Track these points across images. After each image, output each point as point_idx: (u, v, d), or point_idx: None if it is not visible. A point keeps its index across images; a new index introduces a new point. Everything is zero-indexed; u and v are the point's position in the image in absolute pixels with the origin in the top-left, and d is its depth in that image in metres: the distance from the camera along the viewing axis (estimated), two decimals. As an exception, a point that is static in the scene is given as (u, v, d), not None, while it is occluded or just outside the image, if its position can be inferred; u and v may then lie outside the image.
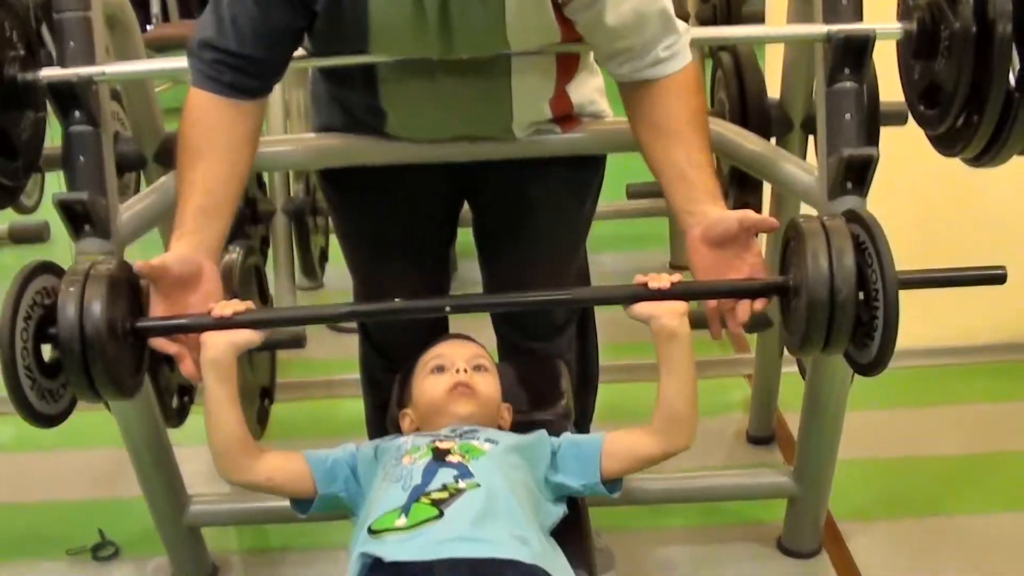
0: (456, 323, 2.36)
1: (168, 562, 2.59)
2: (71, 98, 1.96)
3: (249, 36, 1.80)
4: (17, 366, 1.55)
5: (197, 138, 1.83)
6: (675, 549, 2.63)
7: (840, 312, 1.56)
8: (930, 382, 3.33)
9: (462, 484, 1.63)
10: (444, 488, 1.62)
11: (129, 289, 1.68)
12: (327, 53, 1.97)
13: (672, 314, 1.68)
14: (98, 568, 2.68)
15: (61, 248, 4.66)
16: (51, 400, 1.63)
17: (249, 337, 1.70)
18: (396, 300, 1.81)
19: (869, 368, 1.63)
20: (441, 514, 1.57)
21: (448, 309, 1.79)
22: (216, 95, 1.82)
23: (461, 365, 1.88)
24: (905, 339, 3.08)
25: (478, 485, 1.63)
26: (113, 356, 1.58)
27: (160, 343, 1.70)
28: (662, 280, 1.69)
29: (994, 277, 1.68)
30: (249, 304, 1.73)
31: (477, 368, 1.91)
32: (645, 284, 1.69)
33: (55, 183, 3.07)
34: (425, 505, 1.59)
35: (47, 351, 1.63)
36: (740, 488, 2.60)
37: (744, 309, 1.74)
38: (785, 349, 2.80)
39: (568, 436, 1.84)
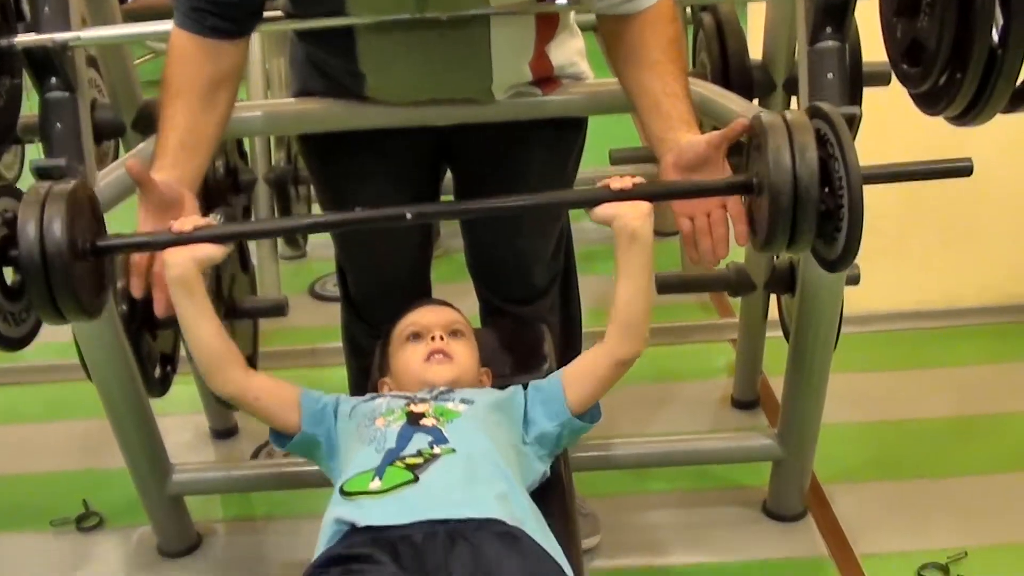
0: (439, 289, 2.37)
1: (152, 531, 2.59)
2: (47, 64, 1.94)
3: None
4: None
5: (179, 76, 1.84)
6: (660, 513, 2.63)
7: (803, 207, 1.52)
8: (915, 345, 3.33)
9: (437, 450, 1.62)
10: (419, 454, 1.62)
11: (90, 208, 1.64)
12: (305, 13, 1.96)
13: (635, 214, 1.64)
14: (82, 538, 2.68)
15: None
16: (14, 323, 1.61)
17: (210, 252, 1.65)
18: (357, 209, 1.78)
19: (836, 263, 1.60)
20: (416, 479, 1.57)
21: (409, 217, 1.73)
22: (197, 35, 1.83)
23: (437, 332, 1.88)
24: (890, 302, 3.11)
25: (453, 451, 1.62)
26: (75, 274, 1.53)
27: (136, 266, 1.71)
28: (624, 181, 1.65)
29: (960, 170, 1.66)
30: (210, 220, 1.70)
31: (453, 334, 1.91)
32: (607, 186, 1.65)
33: (36, 155, 3.06)
34: (400, 469, 1.59)
35: (9, 275, 1.62)
36: (725, 451, 2.60)
37: (722, 247, 1.73)
38: (767, 313, 2.82)
39: (532, 383, 1.83)
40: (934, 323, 3.41)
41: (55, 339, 2.23)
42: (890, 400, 3.05)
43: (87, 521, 2.72)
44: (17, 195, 1.61)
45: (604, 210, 1.65)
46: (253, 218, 3.53)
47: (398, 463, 1.60)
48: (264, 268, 3.50)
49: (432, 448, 1.62)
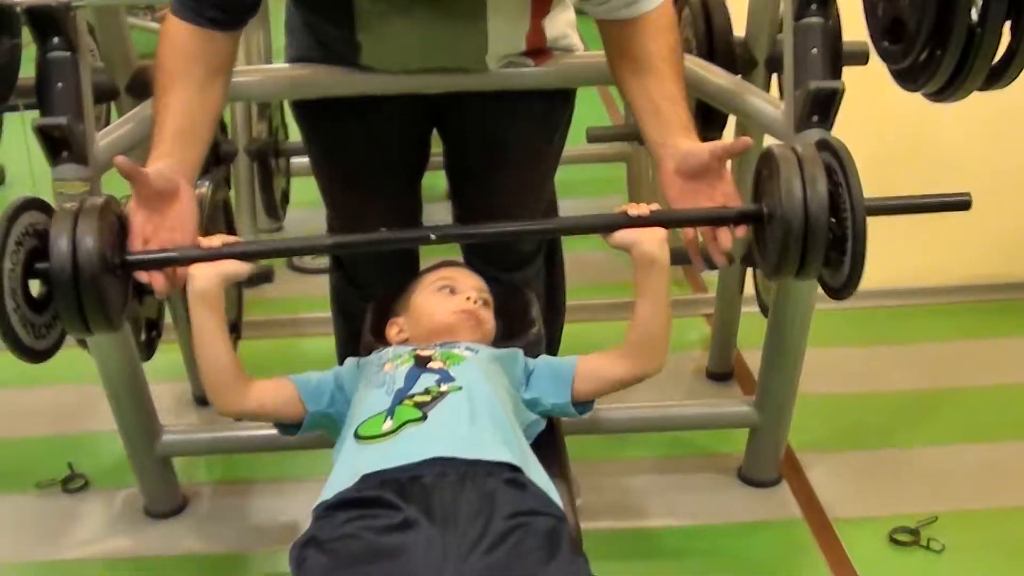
0: (428, 256, 2.40)
1: (138, 493, 2.62)
2: (49, 23, 1.97)
3: None
4: (6, 301, 1.55)
5: (175, 63, 1.85)
6: (639, 479, 2.68)
7: (813, 237, 1.61)
8: (885, 321, 3.41)
9: (444, 387, 1.68)
10: (427, 392, 1.67)
11: (118, 223, 1.70)
12: None
13: (652, 240, 1.72)
14: (69, 499, 2.70)
15: (17, 191, 4.60)
16: (39, 335, 1.63)
17: (236, 268, 1.72)
18: (382, 230, 1.87)
19: (841, 290, 1.67)
20: (424, 416, 1.62)
21: (433, 238, 1.80)
22: (193, 24, 1.84)
23: (474, 294, 1.94)
24: (863, 281, 3.15)
25: (460, 388, 1.68)
26: (104, 288, 1.59)
27: (146, 275, 1.72)
28: (641, 208, 1.73)
29: (958, 204, 1.74)
30: (237, 237, 1.76)
31: (484, 303, 1.97)
32: (625, 212, 1.73)
33: (11, 127, 3.07)
34: (408, 407, 1.64)
35: (35, 287, 1.64)
36: (704, 417, 2.66)
37: (726, 236, 1.79)
38: (744, 287, 2.88)
39: (544, 357, 1.89)
40: (903, 301, 3.50)
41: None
42: (862, 374, 3.12)
43: (73, 483, 2.73)
44: (46, 209, 1.65)
45: (623, 236, 1.73)
46: (232, 190, 3.57)
47: (407, 402, 1.65)
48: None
49: (439, 386, 1.68)
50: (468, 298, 1.92)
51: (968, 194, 1.73)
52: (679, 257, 1.82)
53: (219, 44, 1.87)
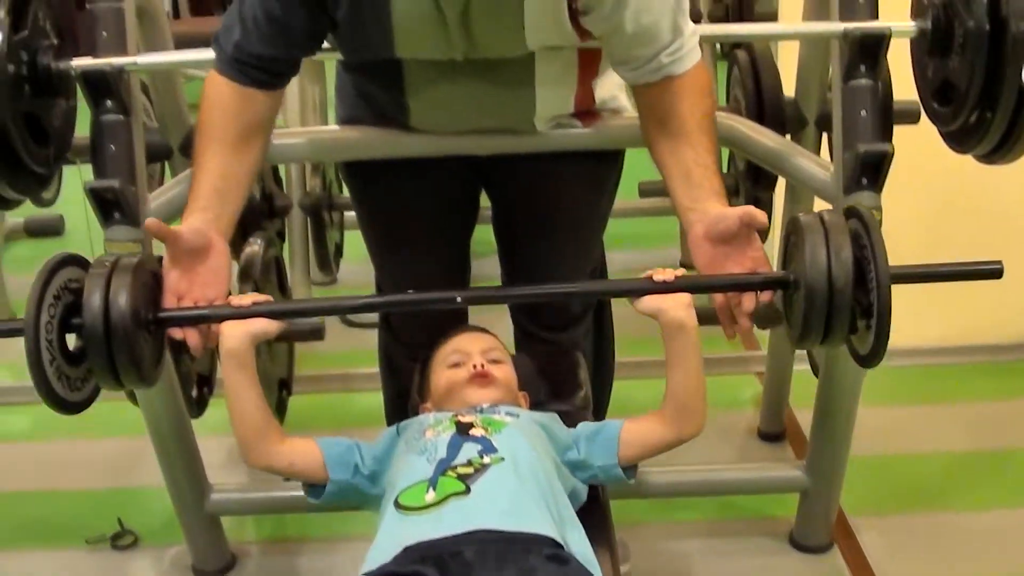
0: (475, 314, 2.41)
1: (187, 551, 2.62)
2: (103, 87, 1.99)
3: (269, 37, 1.86)
4: (41, 353, 1.57)
5: (214, 121, 1.90)
6: (688, 543, 2.65)
7: (837, 306, 1.59)
8: (937, 380, 3.37)
9: (487, 459, 1.66)
10: (469, 463, 1.65)
11: (152, 281, 1.73)
12: (352, 51, 2.00)
13: (678, 306, 1.71)
14: (117, 557, 2.71)
15: (76, 242, 4.70)
16: (73, 388, 1.66)
17: (265, 326, 1.72)
18: (409, 292, 1.91)
19: (867, 359, 1.65)
20: (468, 489, 1.60)
21: (459, 300, 1.81)
22: (236, 83, 1.89)
23: (477, 359, 1.92)
24: (913, 338, 3.14)
25: (502, 459, 1.66)
26: (136, 345, 1.61)
27: (179, 332, 1.75)
28: (667, 273, 1.73)
29: (991, 272, 1.70)
30: (268, 296, 1.78)
31: (493, 361, 1.94)
32: (651, 278, 1.73)
33: (71, 178, 3.10)
34: (452, 479, 1.62)
35: (71, 340, 1.66)
36: (754, 482, 2.63)
37: (750, 299, 1.77)
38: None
39: (584, 423, 1.87)
40: (956, 359, 3.45)
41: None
42: (916, 434, 3.08)
43: (122, 539, 2.74)
44: (83, 264, 1.68)
45: (649, 302, 1.73)
46: (286, 243, 3.60)
47: (450, 472, 1.64)
48: (297, 294, 3.55)
49: (482, 457, 1.66)
50: (474, 365, 1.91)
51: (1000, 262, 1.68)
52: (708, 318, 1.81)
53: (259, 103, 1.91)
